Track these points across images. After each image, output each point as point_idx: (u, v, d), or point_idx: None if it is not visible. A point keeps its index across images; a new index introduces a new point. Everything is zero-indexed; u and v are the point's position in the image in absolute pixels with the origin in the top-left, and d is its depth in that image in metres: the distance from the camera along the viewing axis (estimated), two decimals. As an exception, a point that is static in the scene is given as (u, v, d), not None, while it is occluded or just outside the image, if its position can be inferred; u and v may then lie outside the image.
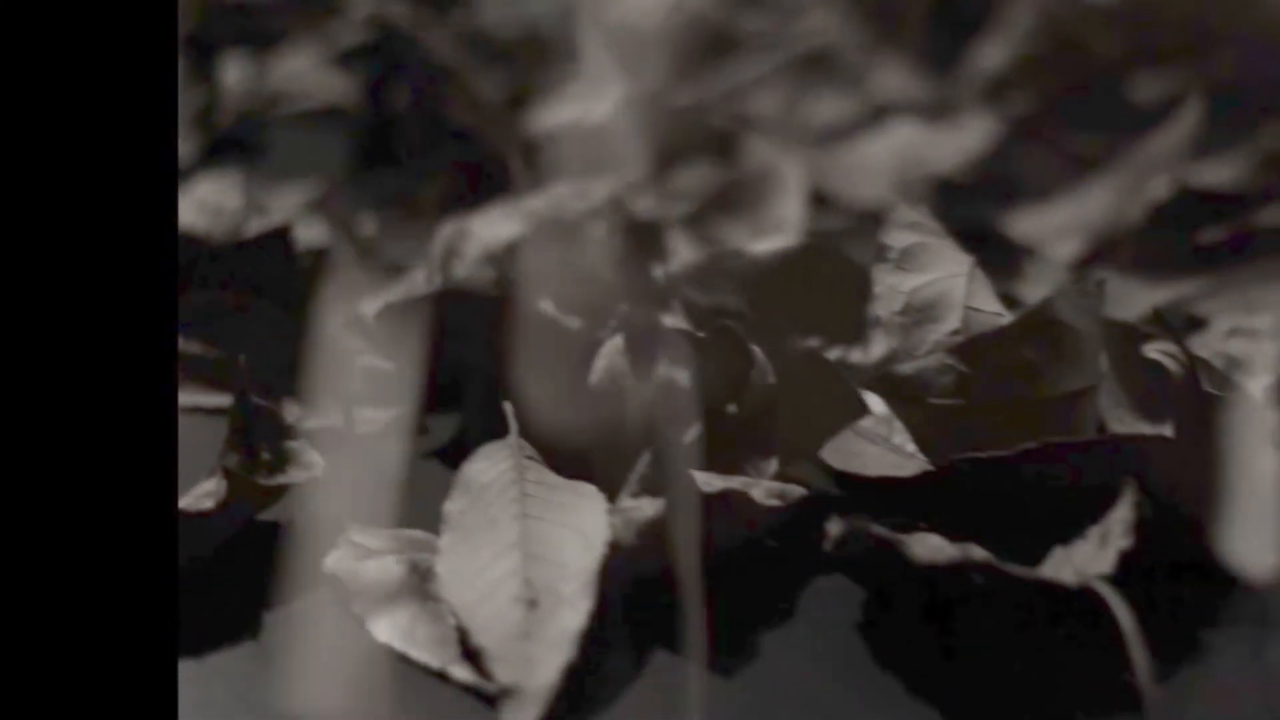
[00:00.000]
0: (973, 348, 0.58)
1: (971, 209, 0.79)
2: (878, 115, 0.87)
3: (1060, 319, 0.58)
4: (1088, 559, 0.54)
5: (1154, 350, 0.61)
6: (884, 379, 0.59)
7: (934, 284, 0.60)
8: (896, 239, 0.61)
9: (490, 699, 0.51)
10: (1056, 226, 0.78)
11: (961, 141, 0.83)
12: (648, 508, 0.55)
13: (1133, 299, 0.70)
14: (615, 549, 0.54)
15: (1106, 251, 0.75)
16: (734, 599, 0.55)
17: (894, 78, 0.92)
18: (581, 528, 0.54)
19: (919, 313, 0.59)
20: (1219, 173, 0.80)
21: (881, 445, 0.61)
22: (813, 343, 0.62)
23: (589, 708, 0.51)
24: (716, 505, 0.55)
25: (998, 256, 0.77)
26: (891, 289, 0.60)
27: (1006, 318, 0.58)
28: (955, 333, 0.59)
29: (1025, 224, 0.79)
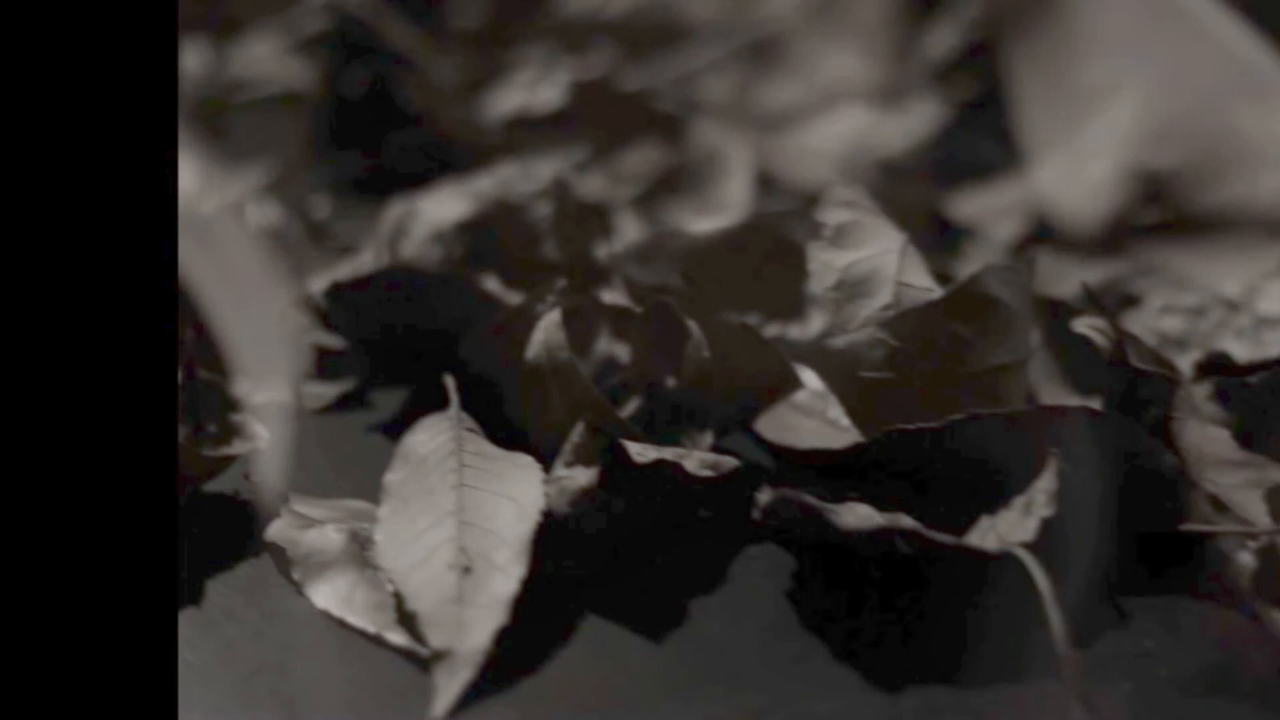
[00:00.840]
0: (903, 322, 0.59)
1: (916, 191, 0.80)
2: (827, 100, 0.88)
3: (989, 294, 0.59)
4: (1012, 527, 0.55)
5: (1083, 325, 0.62)
6: (817, 353, 0.60)
7: (867, 260, 0.61)
8: (831, 217, 0.62)
9: (425, 663, 0.51)
10: (997, 208, 0.79)
11: (907, 126, 0.84)
12: (581, 477, 0.55)
13: (1066, 276, 0.71)
14: (549, 517, 0.55)
15: (1044, 232, 0.76)
16: (667, 566, 0.56)
17: (844, 63, 0.93)
18: (516, 496, 0.55)
19: (852, 288, 0.60)
20: (1159, 156, 0.81)
21: (816, 418, 0.62)
22: (752, 319, 0.63)
23: (522, 672, 0.51)
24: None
25: (940, 237, 0.77)
26: (826, 265, 0.61)
27: (937, 293, 0.59)
28: (887, 308, 0.59)
29: (967, 206, 0.80)
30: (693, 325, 0.60)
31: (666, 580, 0.56)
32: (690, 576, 0.56)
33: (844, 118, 0.84)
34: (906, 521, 0.55)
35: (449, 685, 0.51)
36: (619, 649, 0.53)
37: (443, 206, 0.69)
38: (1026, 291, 0.60)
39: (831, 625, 0.54)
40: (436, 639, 0.51)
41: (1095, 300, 0.62)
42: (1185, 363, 0.65)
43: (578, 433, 0.56)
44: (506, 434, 0.59)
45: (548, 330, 0.58)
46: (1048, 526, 0.54)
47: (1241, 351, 0.65)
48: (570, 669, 0.52)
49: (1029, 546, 0.54)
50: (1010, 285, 0.60)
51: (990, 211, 0.78)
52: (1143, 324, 0.67)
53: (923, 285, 0.60)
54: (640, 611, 0.54)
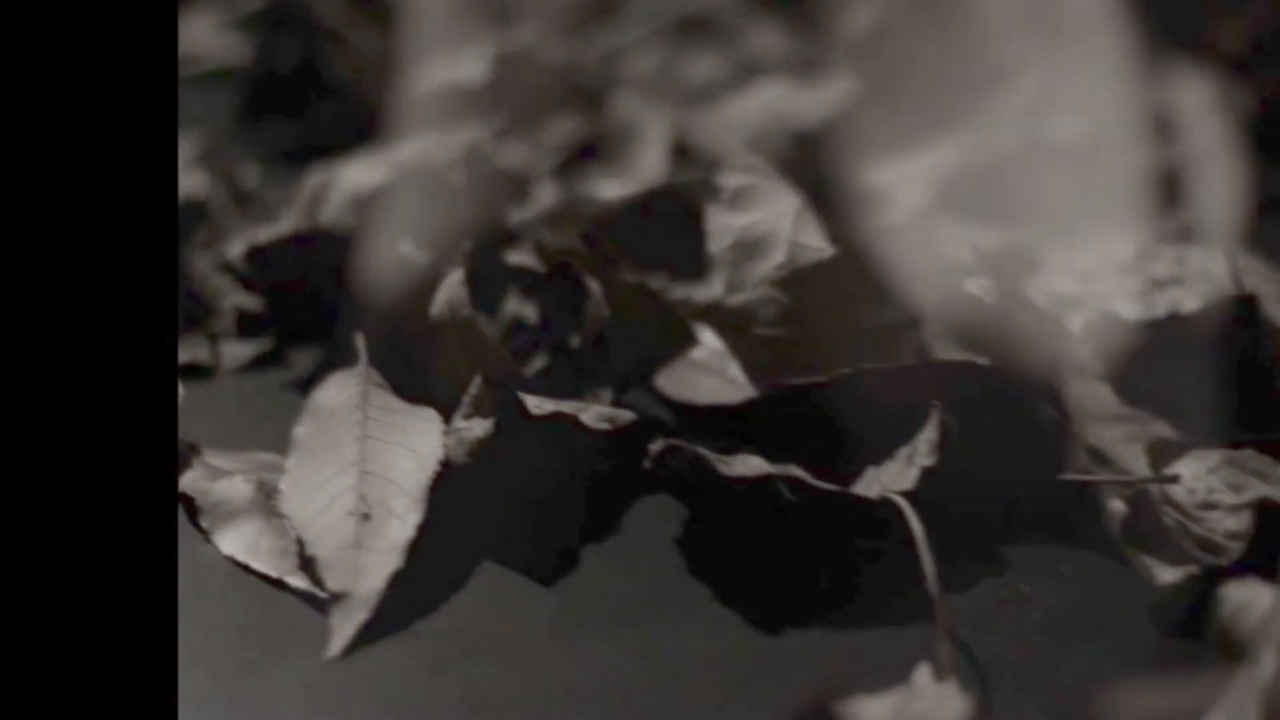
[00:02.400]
0: (796, 281, 0.60)
1: (828, 162, 0.80)
2: (748, 75, 0.89)
3: (880, 254, 0.60)
4: (894, 477, 0.56)
5: (973, 285, 0.63)
6: (714, 311, 0.61)
7: (763, 222, 0.62)
8: (729, 180, 0.63)
9: (323, 605, 0.52)
10: (905, 177, 0.80)
11: (823, 99, 0.84)
12: (478, 428, 0.56)
13: (965, 240, 0.72)
14: (448, 466, 0.56)
15: (950, 199, 0.77)
16: (562, 516, 0.57)
17: (766, 39, 0.94)
18: (416, 447, 0.56)
19: (748, 249, 0.61)
20: (1064, 126, 0.82)
21: (714, 375, 0.63)
22: (657, 281, 0.64)
23: (417, 614, 0.53)
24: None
25: (847, 206, 0.78)
26: (723, 227, 0.62)
27: (829, 252, 0.60)
28: (781, 267, 0.60)
29: (876, 175, 0.81)
30: (594, 285, 0.61)
31: (560, 529, 0.57)
32: (584, 525, 0.57)
33: (762, 91, 0.84)
34: (793, 471, 0.56)
35: (344, 626, 0.52)
36: (511, 594, 0.54)
37: (361, 173, 0.70)
38: (917, 252, 0.61)
39: (718, 571, 0.55)
40: (334, 582, 0.52)
41: (986, 261, 0.63)
42: (1075, 322, 0.65)
43: (475, 385, 0.57)
44: (414, 389, 0.60)
45: (451, 288, 0.59)
46: (930, 475, 0.56)
47: (1130, 311, 0.66)
48: (463, 612, 0.53)
49: (909, 494, 0.55)
50: (901, 246, 0.61)
51: (899, 180, 0.79)
52: (1038, 286, 0.68)
53: (816, 245, 0.61)
54: (533, 558, 0.55)
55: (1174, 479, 0.55)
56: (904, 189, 0.77)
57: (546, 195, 0.72)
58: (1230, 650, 0.50)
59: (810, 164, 0.77)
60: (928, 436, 0.56)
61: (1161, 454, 0.59)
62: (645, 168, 0.76)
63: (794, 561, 0.55)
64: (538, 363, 0.63)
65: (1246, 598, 0.50)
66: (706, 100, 0.85)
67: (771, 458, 0.57)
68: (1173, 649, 0.52)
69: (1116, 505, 0.55)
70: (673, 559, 0.55)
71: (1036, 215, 0.74)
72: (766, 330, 0.60)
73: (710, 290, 0.62)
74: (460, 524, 0.56)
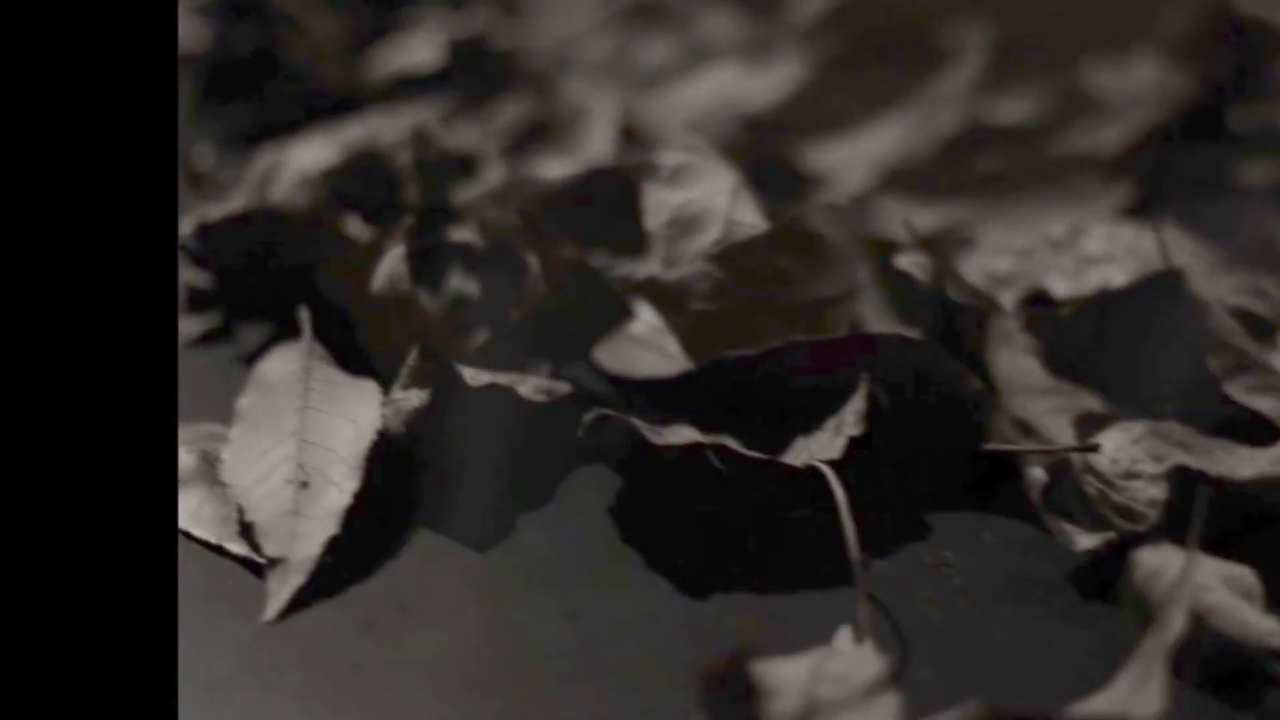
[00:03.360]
0: (730, 256, 0.61)
1: (774, 144, 0.81)
2: (697, 58, 0.90)
3: (813, 231, 0.61)
4: (822, 446, 0.57)
5: (905, 262, 0.64)
6: (650, 286, 0.62)
7: (699, 199, 0.62)
8: (668, 159, 0.63)
9: (261, 570, 0.53)
10: (849, 159, 0.80)
11: (772, 82, 0.85)
12: (414, 398, 0.57)
13: (905, 218, 0.73)
14: (385, 436, 0.56)
15: (891, 180, 0.78)
16: (497, 484, 0.58)
17: (717, 24, 0.95)
18: (355, 417, 0.57)
19: (684, 225, 0.62)
20: (1011, 109, 0.83)
21: (651, 348, 0.64)
22: (598, 258, 0.64)
23: (352, 579, 0.53)
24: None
25: (792, 187, 0.79)
26: (660, 204, 0.63)
27: (762, 229, 0.61)
28: (716, 243, 0.61)
29: (821, 157, 0.81)
30: (532, 261, 0.61)
31: (495, 497, 0.57)
32: (519, 494, 0.58)
33: (712, 75, 0.85)
34: (722, 440, 0.56)
35: (281, 590, 0.52)
36: (444, 559, 0.55)
37: (311, 153, 0.71)
38: (852, 229, 0.62)
39: (648, 538, 0.56)
40: (271, 548, 0.53)
41: (918, 239, 0.64)
42: (1008, 299, 0.66)
43: (413, 357, 0.58)
44: (356, 362, 0.61)
45: (391, 263, 0.60)
46: (859, 445, 0.56)
47: (1061, 288, 0.67)
48: (397, 577, 0.54)
49: (836, 463, 0.56)
50: (835, 223, 0.61)
51: (843, 162, 0.80)
52: (975, 264, 0.69)
53: (751, 222, 0.62)
54: (467, 526, 0.56)
55: (1094, 448, 0.56)
56: (847, 169, 0.78)
57: (494, 175, 0.72)
58: (1142, 613, 0.51)
59: (758, 146, 0.78)
60: (855, 407, 0.57)
61: (1088, 425, 0.59)
62: (592, 148, 0.77)
63: (723, 529, 0.56)
64: (480, 337, 0.63)
65: (1159, 562, 0.51)
66: (657, 84, 0.86)
67: (705, 429, 0.58)
68: (1089, 613, 0.53)
69: (1037, 474, 0.55)
70: (604, 526, 0.56)
71: (977, 195, 0.75)
72: (702, 305, 0.61)
73: (647, 266, 0.62)
74: (397, 491, 0.56)
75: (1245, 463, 0.56)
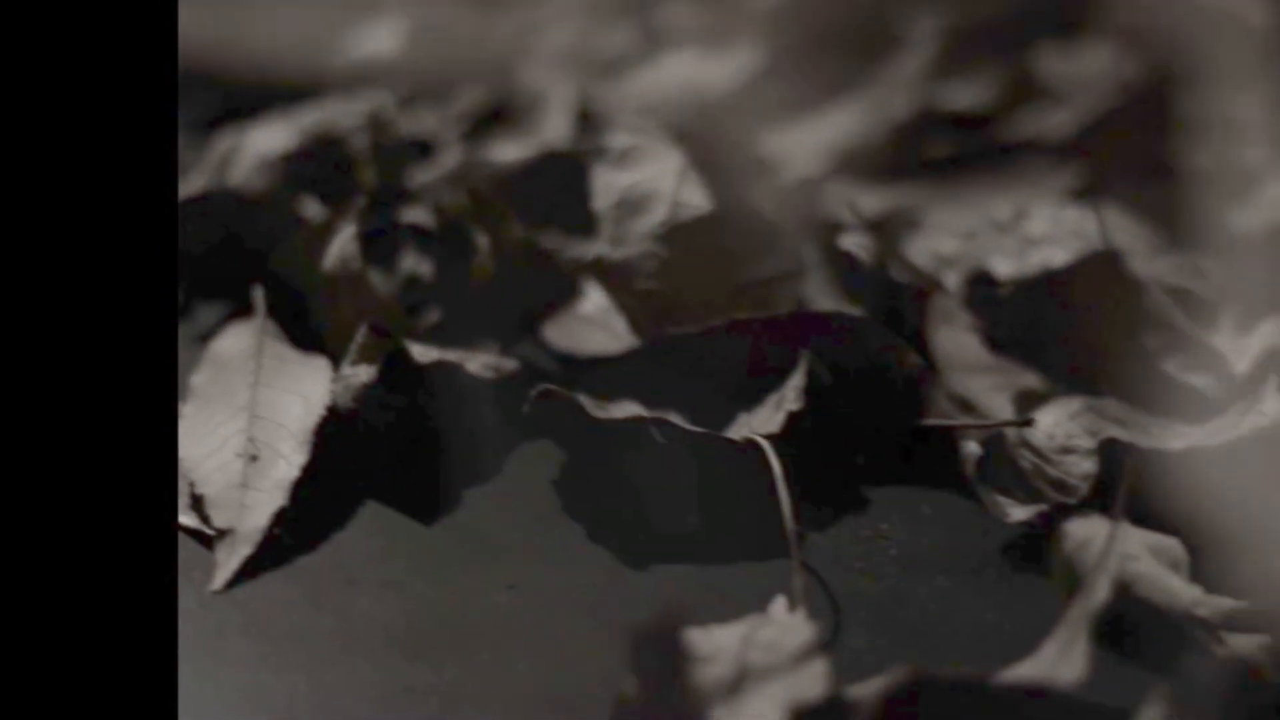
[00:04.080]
0: (675, 236, 0.61)
1: (731, 130, 0.82)
2: (657, 45, 0.90)
3: (758, 212, 0.62)
4: (763, 421, 0.58)
5: (849, 242, 0.64)
6: (598, 266, 0.63)
7: (646, 181, 0.63)
8: (616, 141, 0.64)
9: (210, 541, 0.54)
10: (802, 144, 0.81)
11: (730, 70, 0.86)
12: (363, 374, 0.58)
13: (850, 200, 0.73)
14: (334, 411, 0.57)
15: (843, 164, 0.78)
16: (445, 459, 0.59)
17: (677, 12, 0.96)
18: (305, 393, 0.58)
19: (631, 206, 0.63)
20: (964, 94, 0.83)
21: (598, 326, 0.65)
22: (546, 237, 0.65)
23: (300, 550, 0.54)
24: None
25: (746, 170, 0.80)
26: (608, 185, 0.63)
27: (708, 210, 0.62)
28: (663, 224, 0.62)
29: (775, 143, 0.82)
30: (481, 240, 0.62)
31: (443, 471, 0.58)
32: (466, 468, 0.58)
33: (671, 62, 0.86)
34: (664, 415, 0.57)
35: (228, 561, 0.53)
36: (390, 532, 0.55)
37: (269, 137, 0.71)
38: (798, 211, 0.63)
39: (590, 511, 0.56)
40: (220, 519, 0.54)
41: (863, 220, 0.65)
42: (952, 279, 0.67)
43: (362, 334, 0.58)
44: (308, 340, 0.62)
45: (342, 243, 0.61)
46: (799, 420, 0.57)
47: (1004, 268, 0.67)
48: (344, 548, 0.55)
49: (776, 438, 0.56)
50: (781, 205, 0.62)
51: (796, 148, 0.81)
52: (922, 245, 0.70)
53: (696, 203, 0.62)
54: (414, 499, 0.57)
55: (1028, 422, 0.57)
56: (800, 154, 0.79)
57: (450, 159, 0.73)
58: (1070, 583, 0.51)
59: (714, 131, 0.79)
60: (795, 383, 0.58)
61: (1027, 402, 0.60)
62: (548, 133, 0.77)
63: (664, 502, 0.56)
64: (432, 316, 0.64)
65: (1087, 533, 0.52)
66: (616, 71, 0.86)
67: (651, 405, 0.59)
68: (1021, 584, 0.53)
69: (972, 448, 0.56)
70: (549, 499, 0.57)
71: (926, 179, 0.76)
72: (648, 284, 0.61)
73: (595, 246, 0.63)
74: (346, 465, 0.57)
75: (1177, 436, 0.56)
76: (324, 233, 0.63)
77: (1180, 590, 0.51)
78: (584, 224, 0.66)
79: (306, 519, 0.55)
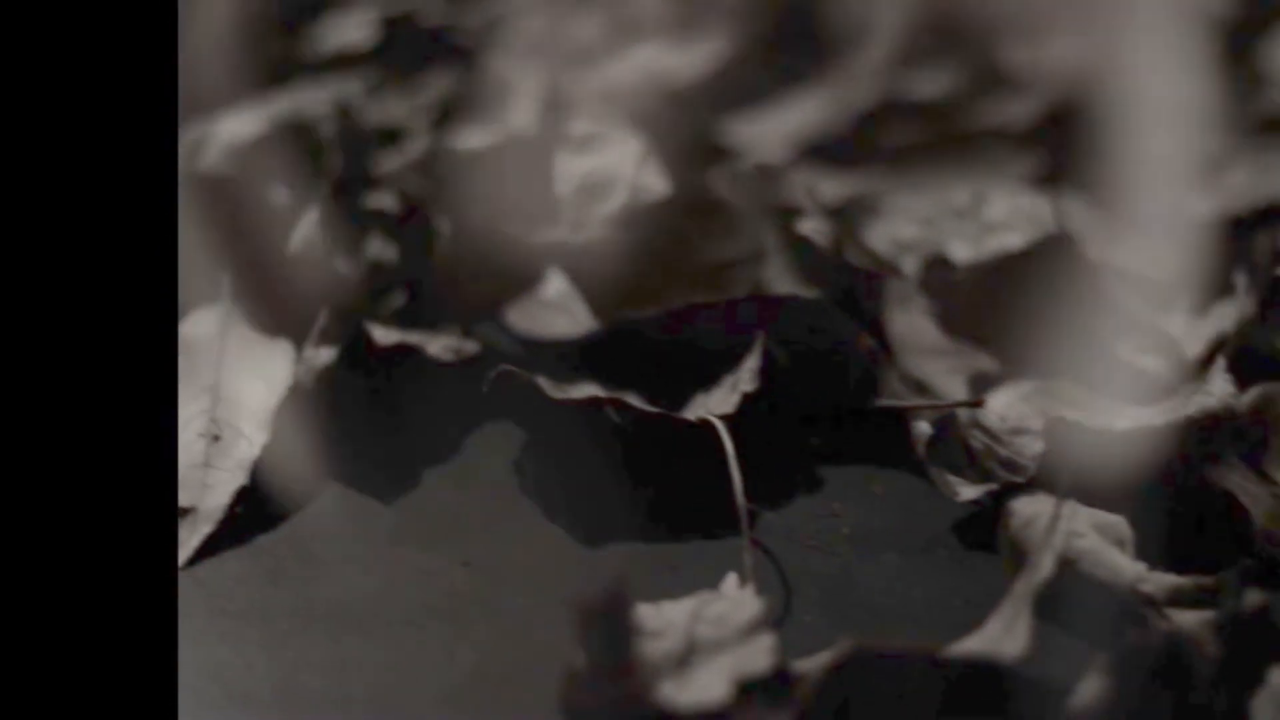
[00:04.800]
0: (634, 221, 0.62)
1: (698, 119, 0.82)
2: (625, 34, 0.91)
3: (717, 196, 0.62)
4: (718, 402, 0.58)
5: (806, 227, 0.65)
6: (560, 250, 0.63)
7: (607, 166, 0.63)
8: (578, 128, 0.64)
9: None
10: (767, 132, 0.81)
11: (697, 59, 0.86)
12: (324, 355, 0.58)
13: (808, 186, 0.74)
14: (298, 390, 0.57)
15: (806, 152, 0.79)
16: (406, 439, 0.59)
17: (646, 3, 0.96)
18: (267, 375, 0.58)
19: (591, 191, 0.63)
20: (929, 84, 0.84)
21: (560, 310, 0.65)
22: (514, 225, 0.65)
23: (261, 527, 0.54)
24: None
25: (711, 157, 0.80)
26: (570, 171, 0.64)
27: (666, 194, 0.62)
28: (622, 209, 0.62)
29: (741, 132, 0.82)
30: (444, 225, 0.63)
31: (403, 451, 0.58)
32: (426, 448, 0.59)
33: (639, 51, 0.86)
34: (621, 396, 0.57)
35: (190, 538, 0.54)
36: (350, 510, 0.56)
37: (239, 125, 0.72)
38: (757, 196, 0.63)
39: (548, 490, 0.57)
40: (183, 498, 0.54)
41: (821, 206, 0.65)
42: (910, 264, 0.67)
43: (323, 317, 0.59)
44: (272, 323, 0.62)
45: (306, 227, 0.61)
46: (755, 402, 0.58)
47: (962, 253, 0.68)
48: (304, 525, 0.55)
49: (729, 418, 0.57)
50: (740, 190, 0.63)
51: (761, 137, 0.81)
52: (881, 230, 0.70)
53: (656, 187, 0.63)
54: (375, 478, 0.57)
55: (979, 402, 0.57)
56: (764, 141, 0.79)
57: (417, 146, 0.73)
58: (1017, 560, 0.52)
59: (683, 120, 0.79)
60: (750, 364, 0.58)
61: (981, 384, 0.61)
62: (515, 122, 0.78)
63: (620, 479, 0.57)
64: (397, 300, 0.64)
65: (1034, 511, 0.52)
66: (585, 61, 0.87)
67: (610, 387, 0.59)
68: (970, 562, 0.54)
69: (923, 428, 0.57)
70: (507, 479, 0.57)
71: (887, 166, 0.77)
72: (608, 267, 0.62)
73: (557, 231, 0.63)
74: (307, 445, 0.57)
75: (1125, 417, 0.57)
76: (288, 218, 0.63)
77: (1124, 566, 0.51)
78: (545, 209, 0.66)
79: (267, 498, 0.55)
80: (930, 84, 0.82)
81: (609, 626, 0.46)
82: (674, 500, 0.56)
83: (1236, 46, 0.87)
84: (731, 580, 0.51)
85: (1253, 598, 0.47)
